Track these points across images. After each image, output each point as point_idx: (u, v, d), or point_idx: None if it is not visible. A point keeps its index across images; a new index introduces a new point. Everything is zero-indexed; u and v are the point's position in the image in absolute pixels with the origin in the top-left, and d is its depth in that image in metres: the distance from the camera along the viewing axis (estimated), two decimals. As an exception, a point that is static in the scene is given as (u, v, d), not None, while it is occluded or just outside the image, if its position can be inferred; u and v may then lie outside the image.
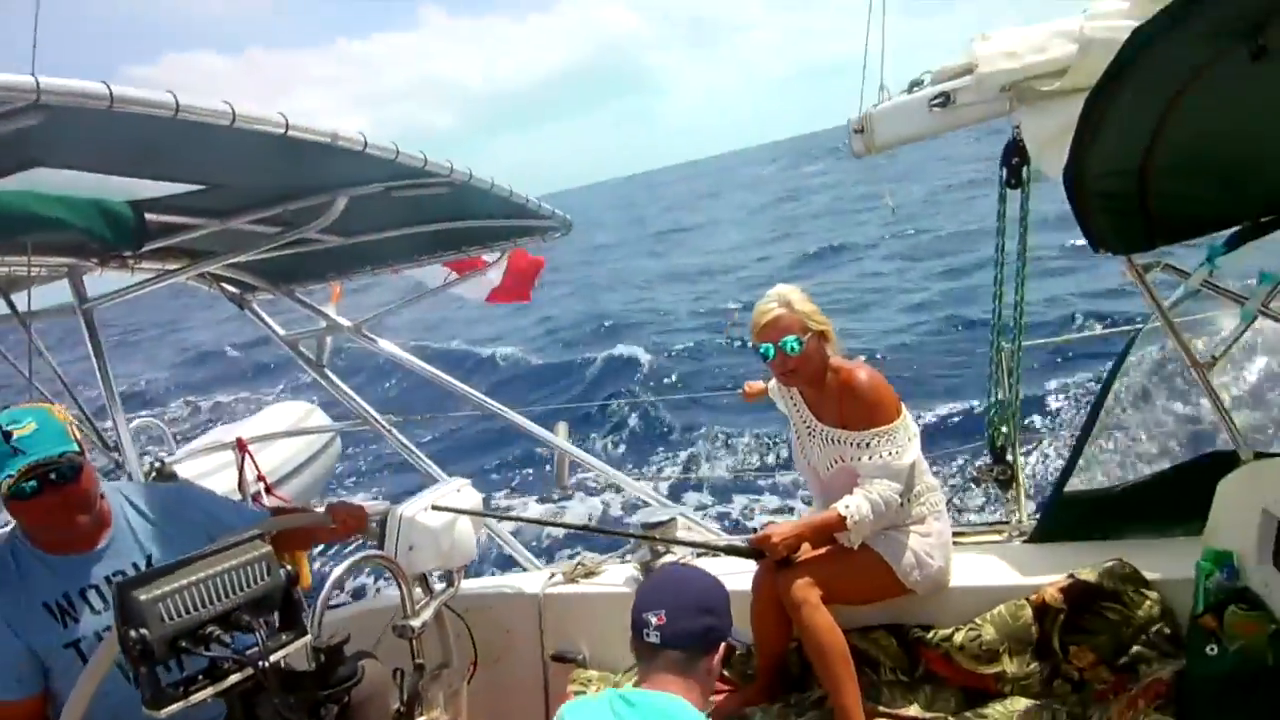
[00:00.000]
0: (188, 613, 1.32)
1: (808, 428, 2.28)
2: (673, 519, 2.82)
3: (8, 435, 1.57)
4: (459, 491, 2.32)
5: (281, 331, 3.18)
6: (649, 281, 21.71)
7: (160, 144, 1.59)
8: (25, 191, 1.75)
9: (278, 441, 4.03)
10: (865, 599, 2.21)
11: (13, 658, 1.65)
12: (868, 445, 2.09)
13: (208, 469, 3.57)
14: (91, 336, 2.78)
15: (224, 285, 3.08)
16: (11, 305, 2.88)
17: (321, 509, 2.22)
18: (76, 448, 1.65)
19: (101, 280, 2.89)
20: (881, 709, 2.09)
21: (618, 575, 2.81)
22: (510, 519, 2.53)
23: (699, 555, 2.68)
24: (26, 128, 1.23)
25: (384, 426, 3.23)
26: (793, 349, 2.09)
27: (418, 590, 2.06)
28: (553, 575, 2.88)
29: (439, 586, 2.18)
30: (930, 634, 2.18)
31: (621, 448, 8.76)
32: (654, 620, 1.38)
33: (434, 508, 2.00)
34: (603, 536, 2.45)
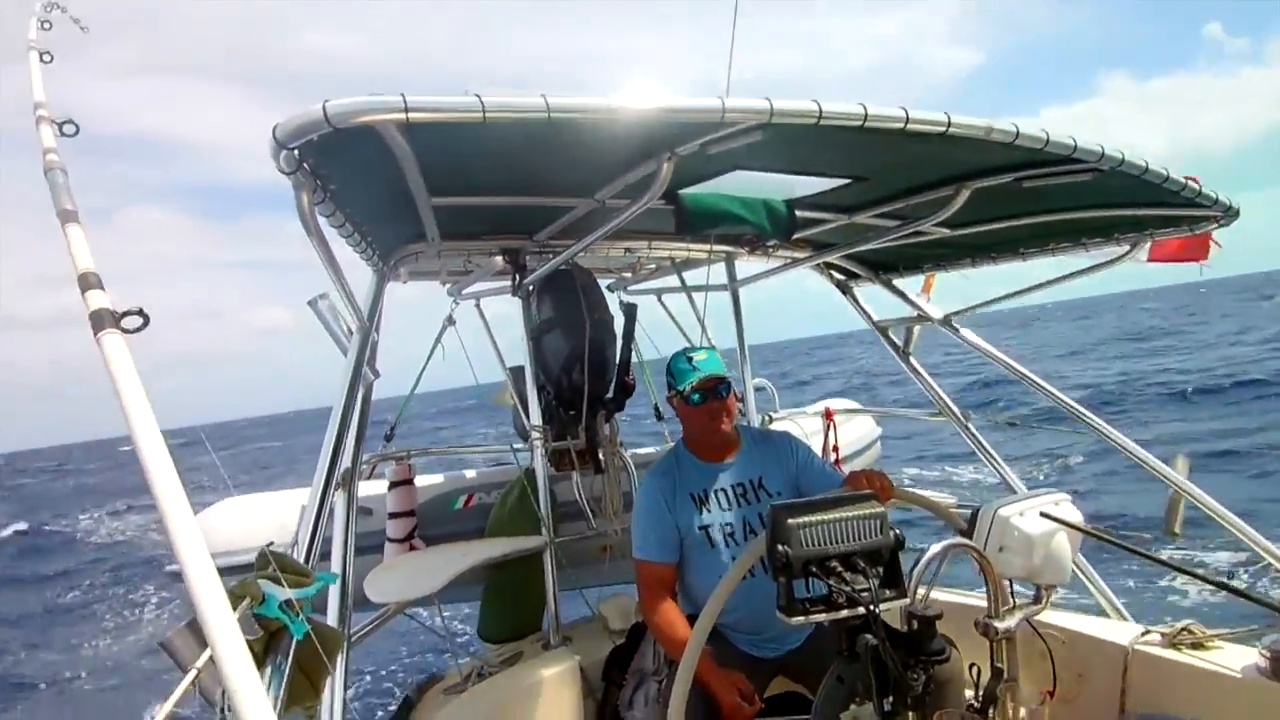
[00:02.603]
0: (819, 545, 1.55)
1: None
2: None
3: (690, 359, 2.33)
4: (1057, 505, 2.13)
5: (875, 317, 3.42)
6: None
7: (825, 147, 1.86)
8: (722, 194, 2.27)
9: (849, 421, 4.40)
10: None
11: (667, 528, 2.30)
12: None
13: (799, 430, 4.13)
14: (736, 310, 3.50)
15: (833, 272, 3.46)
16: (683, 281, 3.78)
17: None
18: (727, 375, 2.32)
19: (745, 265, 3.59)
20: None
21: (1236, 657, 2.24)
22: (1127, 548, 2.20)
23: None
24: (749, 143, 1.56)
25: (963, 421, 3.19)
26: None
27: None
28: (1146, 632, 2.47)
29: (1022, 600, 2.06)
30: None
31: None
32: None
33: (1042, 514, 1.87)
34: (1242, 601, 1.93)
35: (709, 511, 2.30)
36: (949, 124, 1.47)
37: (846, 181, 2.21)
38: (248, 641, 1.23)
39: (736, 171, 2.03)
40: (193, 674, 1.12)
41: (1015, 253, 3.01)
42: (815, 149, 1.84)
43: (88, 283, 1.09)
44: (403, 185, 1.78)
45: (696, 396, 2.28)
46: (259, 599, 1.10)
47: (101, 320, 1.03)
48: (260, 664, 1.27)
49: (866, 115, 1.36)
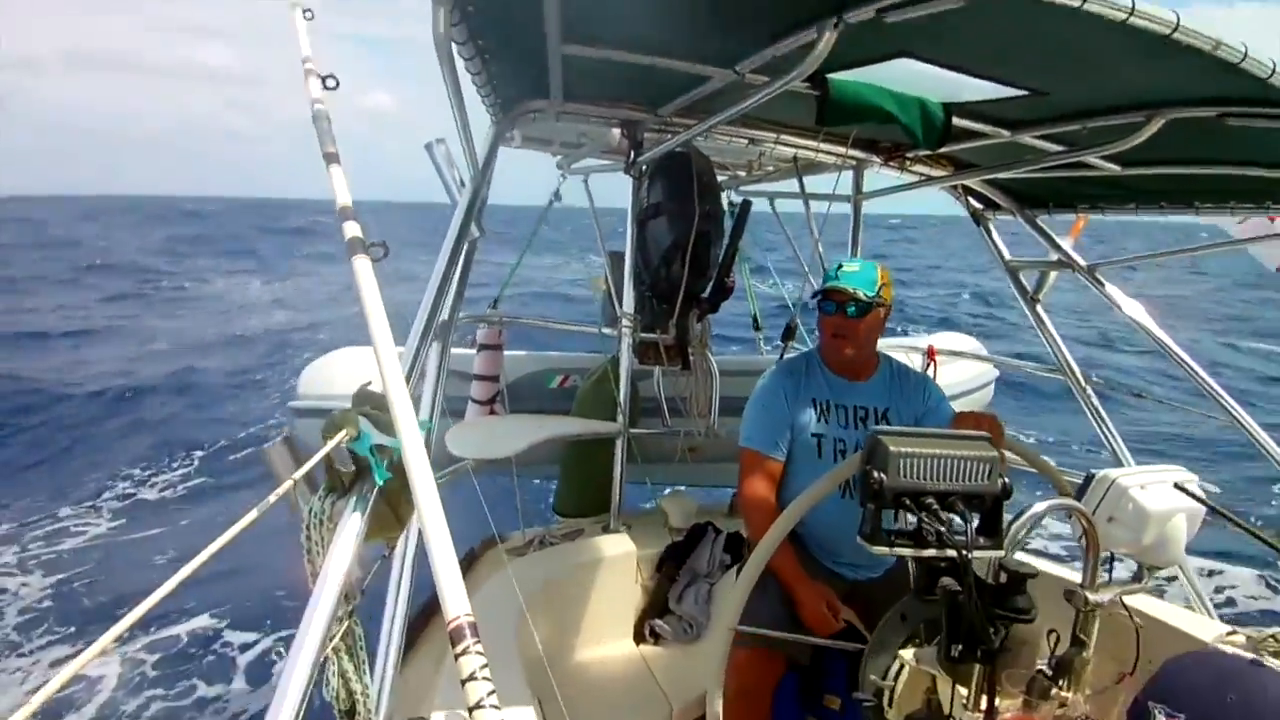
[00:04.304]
0: (917, 478, 1.45)
1: None
2: None
3: (840, 266, 2.19)
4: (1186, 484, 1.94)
5: (1007, 255, 3.13)
6: None
7: (1017, 41, 1.60)
8: (877, 86, 2.03)
9: (953, 363, 4.16)
10: None
11: (781, 423, 2.25)
12: None
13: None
14: (855, 224, 3.27)
15: (971, 199, 3.16)
16: (802, 185, 3.52)
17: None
18: (874, 297, 2.14)
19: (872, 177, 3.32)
20: None
21: None
22: (1264, 539, 2.01)
23: None
24: (935, 17, 1.34)
25: (1082, 385, 2.94)
26: None
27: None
28: (1232, 632, 2.30)
29: (1121, 575, 1.92)
30: None
31: None
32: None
33: (1177, 486, 1.70)
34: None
35: (826, 423, 2.23)
36: (1176, 26, 1.24)
37: (1021, 93, 1.94)
38: (338, 471, 1.26)
39: (897, 61, 1.80)
40: (289, 483, 1.15)
41: (1189, 204, 2.65)
42: (1002, 42, 1.59)
43: (345, 215, 1.29)
44: (537, 24, 1.66)
45: (829, 306, 2.18)
46: (355, 434, 1.10)
47: (354, 247, 1.24)
48: (347, 491, 1.30)
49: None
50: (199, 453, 9.09)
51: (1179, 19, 1.28)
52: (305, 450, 1.40)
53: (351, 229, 1.27)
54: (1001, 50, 1.66)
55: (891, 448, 1.45)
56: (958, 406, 2.58)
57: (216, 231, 47.99)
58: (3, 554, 6.58)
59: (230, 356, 13.67)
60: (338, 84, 1.67)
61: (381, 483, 1.19)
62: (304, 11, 1.81)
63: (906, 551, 1.46)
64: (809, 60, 1.51)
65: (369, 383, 1.29)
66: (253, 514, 1.01)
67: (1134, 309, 2.87)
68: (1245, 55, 1.39)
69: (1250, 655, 2.00)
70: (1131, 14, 1.23)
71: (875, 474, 1.45)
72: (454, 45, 1.60)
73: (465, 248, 2.00)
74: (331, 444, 1.10)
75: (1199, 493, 1.80)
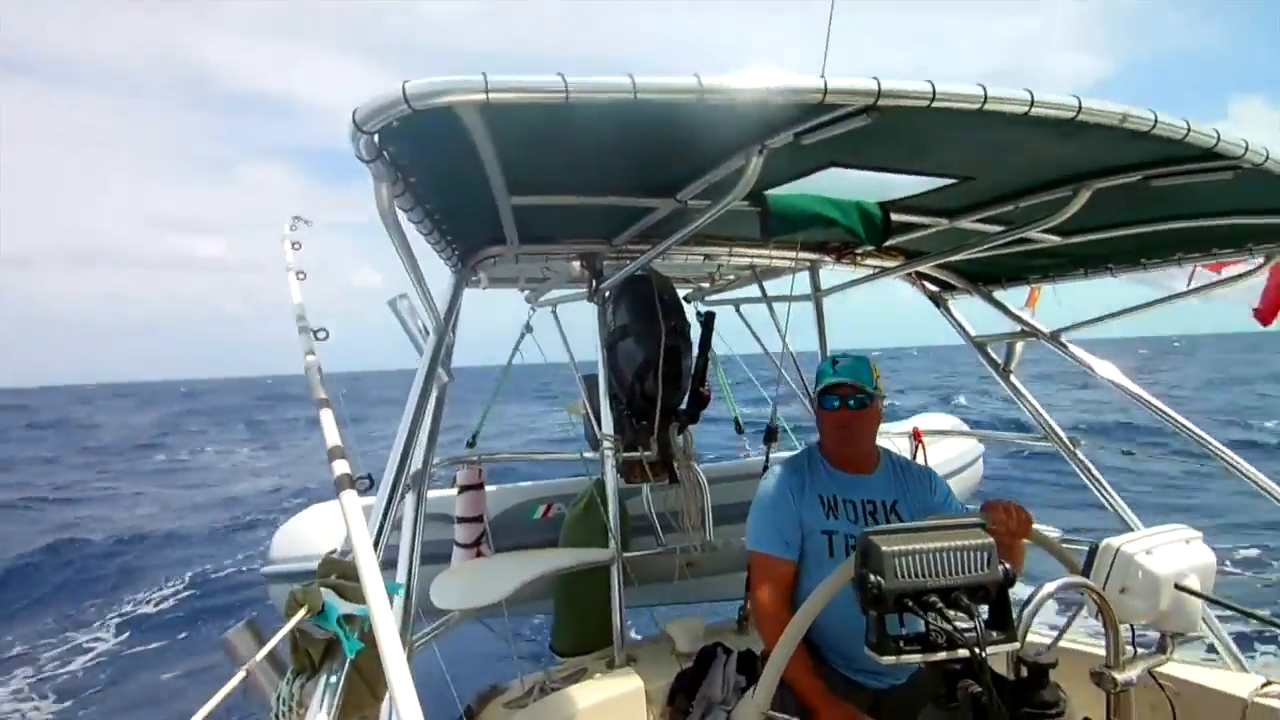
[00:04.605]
0: (917, 576, 1.39)
1: None
2: None
3: (835, 361, 2.21)
4: (1187, 544, 1.89)
5: (973, 332, 3.19)
6: None
7: (931, 141, 1.69)
8: (811, 195, 2.13)
9: (940, 442, 4.14)
10: None
11: (789, 523, 2.16)
12: None
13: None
14: (819, 321, 3.34)
15: (925, 283, 3.25)
16: (763, 290, 3.62)
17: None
18: (874, 390, 2.16)
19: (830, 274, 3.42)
20: None
21: None
22: (1266, 621, 1.94)
23: None
24: (852, 131, 1.42)
25: (1070, 448, 2.92)
26: None
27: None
28: (1267, 683, 2.25)
29: (1143, 650, 1.83)
30: None
31: None
32: None
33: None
34: None
35: (835, 519, 2.16)
36: (1079, 109, 1.30)
37: (950, 182, 2.03)
38: (305, 650, 1.19)
39: (830, 170, 1.89)
40: (242, 673, 1.09)
41: (1135, 264, 2.74)
42: (920, 142, 1.69)
43: (334, 454, 1.39)
44: (483, 183, 1.74)
45: (835, 401, 2.18)
46: (318, 608, 1.05)
47: (342, 483, 1.31)
48: (316, 669, 1.22)
49: (986, 97, 1.22)
50: (189, 572, 9.71)
51: (1080, 102, 1.36)
52: (278, 624, 1.33)
53: (340, 467, 1.36)
54: (919, 149, 1.76)
55: (884, 548, 1.40)
56: (951, 484, 2.57)
57: (210, 407, 49.30)
58: (16, 677, 6.77)
59: (219, 513, 13.93)
60: (328, 335, 1.82)
61: (353, 655, 1.13)
62: (297, 274, 1.98)
63: (916, 657, 1.38)
64: (742, 183, 1.58)
65: (334, 550, 1.24)
66: (208, 706, 0.94)
67: (1107, 369, 2.90)
68: (1155, 122, 1.46)
69: None
70: (1032, 106, 1.30)
71: (872, 578, 1.39)
72: (402, 213, 1.66)
73: (434, 394, 2.00)
74: (293, 622, 1.05)
75: (1203, 554, 1.76)
